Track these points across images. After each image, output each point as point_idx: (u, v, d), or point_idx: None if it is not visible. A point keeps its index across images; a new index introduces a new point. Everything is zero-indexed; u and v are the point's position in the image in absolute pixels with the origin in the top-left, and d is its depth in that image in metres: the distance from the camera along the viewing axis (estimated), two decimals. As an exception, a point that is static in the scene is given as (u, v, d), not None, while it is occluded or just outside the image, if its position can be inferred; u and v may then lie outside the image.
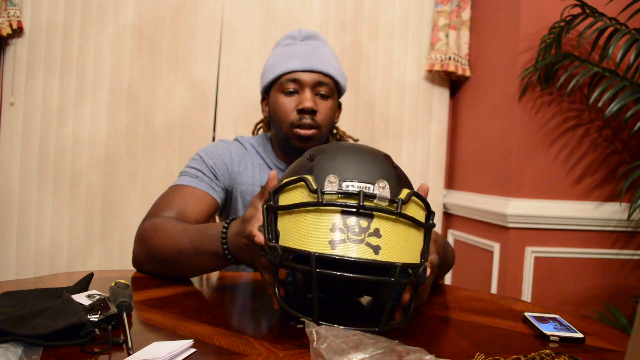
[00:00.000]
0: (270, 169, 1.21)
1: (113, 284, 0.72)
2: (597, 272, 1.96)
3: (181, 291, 0.87)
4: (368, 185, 0.66)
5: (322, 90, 1.14)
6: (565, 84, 1.88)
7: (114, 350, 0.58)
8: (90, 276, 0.79)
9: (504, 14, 2.07)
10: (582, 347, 0.70)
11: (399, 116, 2.38)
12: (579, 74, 1.78)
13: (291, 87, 1.13)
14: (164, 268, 0.96)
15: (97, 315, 0.63)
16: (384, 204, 0.65)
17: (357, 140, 1.33)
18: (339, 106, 1.26)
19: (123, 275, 0.97)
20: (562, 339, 0.71)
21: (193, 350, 0.59)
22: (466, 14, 2.28)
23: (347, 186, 0.66)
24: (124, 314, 0.64)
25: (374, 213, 0.64)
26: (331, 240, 0.62)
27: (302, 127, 1.12)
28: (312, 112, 1.12)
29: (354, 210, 0.64)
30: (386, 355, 0.53)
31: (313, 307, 0.63)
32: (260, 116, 1.66)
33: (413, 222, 0.67)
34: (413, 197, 0.69)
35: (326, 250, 0.62)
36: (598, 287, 1.96)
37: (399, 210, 0.64)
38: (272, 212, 0.69)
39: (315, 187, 0.65)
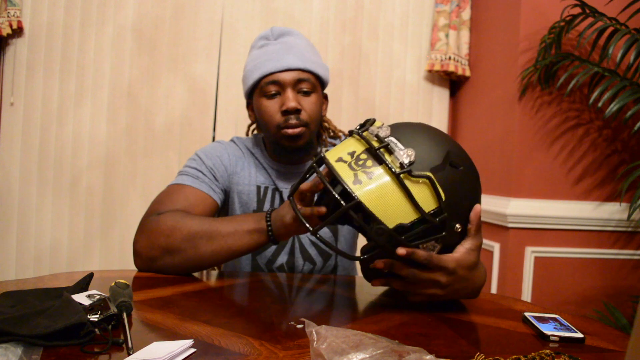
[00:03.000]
0: (265, 169, 1.21)
1: (113, 284, 0.72)
2: (597, 272, 1.96)
3: (181, 291, 0.87)
4: (402, 148, 0.75)
5: (304, 87, 1.12)
6: (565, 84, 1.88)
7: (114, 350, 0.58)
8: (90, 276, 0.79)
9: (504, 14, 2.07)
10: (582, 347, 0.70)
11: (399, 116, 2.38)
12: (579, 74, 1.78)
13: (272, 89, 1.11)
14: (187, 258, 0.96)
15: (97, 315, 0.63)
16: (396, 165, 0.73)
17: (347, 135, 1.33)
18: (325, 97, 1.25)
19: (123, 275, 0.97)
20: (562, 339, 0.71)
21: (193, 350, 0.59)
22: (466, 14, 2.28)
23: (386, 138, 0.76)
24: (124, 314, 0.64)
25: (383, 163, 0.74)
26: (339, 158, 0.77)
27: (289, 127, 1.11)
28: (297, 111, 1.11)
29: (370, 150, 0.76)
30: (386, 355, 0.53)
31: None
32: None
33: (407, 195, 0.73)
34: (428, 184, 0.74)
35: (332, 161, 0.77)
36: (598, 287, 1.96)
37: (398, 173, 0.72)
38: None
39: (364, 127, 0.81)
